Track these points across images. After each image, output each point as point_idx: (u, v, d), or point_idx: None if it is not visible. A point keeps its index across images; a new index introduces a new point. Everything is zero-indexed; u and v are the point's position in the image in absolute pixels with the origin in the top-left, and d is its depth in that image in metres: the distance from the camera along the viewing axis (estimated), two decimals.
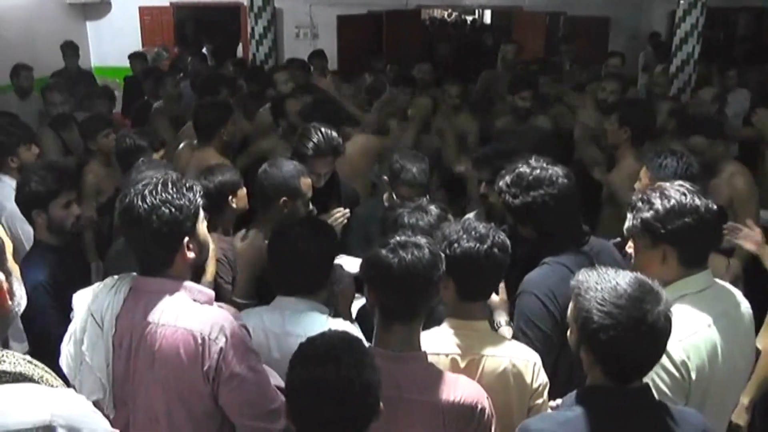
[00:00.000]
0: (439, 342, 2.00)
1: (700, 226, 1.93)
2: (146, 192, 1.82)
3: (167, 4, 10.45)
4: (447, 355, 1.99)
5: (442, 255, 1.90)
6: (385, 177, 3.24)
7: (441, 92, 5.69)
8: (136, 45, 9.68)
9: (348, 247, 2.88)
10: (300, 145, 3.17)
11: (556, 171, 2.33)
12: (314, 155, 3.12)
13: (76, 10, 10.14)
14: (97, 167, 4.35)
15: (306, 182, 2.79)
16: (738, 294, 2.11)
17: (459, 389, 1.81)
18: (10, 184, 3.48)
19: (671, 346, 1.79)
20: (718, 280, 2.09)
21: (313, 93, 5.53)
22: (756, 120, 4.81)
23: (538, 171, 2.32)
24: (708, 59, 7.42)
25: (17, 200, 2.82)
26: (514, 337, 2.20)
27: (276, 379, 1.89)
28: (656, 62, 8.17)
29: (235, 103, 5.11)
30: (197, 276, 2.07)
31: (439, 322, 2.08)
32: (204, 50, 10.28)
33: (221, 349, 1.77)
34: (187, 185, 1.89)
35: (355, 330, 2.18)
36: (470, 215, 3.13)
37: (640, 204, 1.99)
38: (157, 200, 1.81)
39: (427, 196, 2.97)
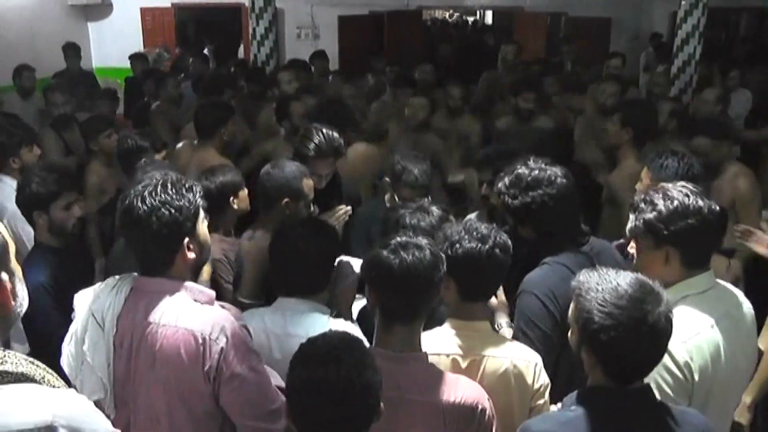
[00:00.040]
0: (440, 342, 2.01)
1: (703, 228, 1.93)
2: (146, 193, 1.82)
3: (168, 5, 10.45)
4: (448, 356, 1.99)
5: (443, 256, 1.90)
6: (387, 178, 3.24)
7: (443, 93, 5.68)
8: (138, 46, 9.68)
9: (349, 248, 2.88)
10: (301, 146, 3.17)
11: (555, 171, 2.33)
12: (316, 156, 3.12)
13: (78, 11, 10.15)
14: (99, 167, 4.36)
15: (308, 184, 2.79)
16: (740, 294, 2.11)
17: (459, 390, 1.81)
18: (11, 184, 3.48)
19: (674, 347, 1.80)
20: (719, 281, 2.09)
21: (320, 95, 5.56)
22: None
23: (536, 171, 2.32)
24: (709, 60, 7.41)
25: (18, 201, 2.82)
26: (514, 337, 2.20)
27: (277, 380, 1.90)
28: (657, 63, 8.17)
29: (235, 104, 5.13)
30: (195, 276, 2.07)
31: (440, 323, 2.09)
32: (205, 51, 10.28)
33: (222, 349, 1.77)
34: (187, 186, 1.89)
35: (355, 330, 2.18)
36: (472, 216, 3.13)
37: (642, 205, 1.99)
38: (157, 201, 1.81)
39: (429, 197, 2.97)
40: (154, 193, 1.82)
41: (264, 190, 2.77)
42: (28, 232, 2.98)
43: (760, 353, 2.50)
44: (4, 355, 1.27)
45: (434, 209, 2.49)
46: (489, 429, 1.83)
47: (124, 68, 8.22)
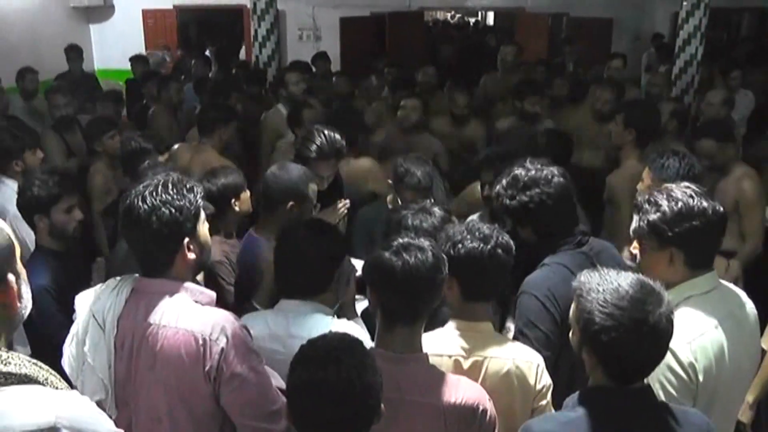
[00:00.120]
0: (442, 343, 2.01)
1: (708, 229, 1.93)
2: (147, 193, 1.83)
3: (170, 6, 10.46)
4: (450, 357, 1.99)
5: (445, 257, 1.90)
6: (389, 180, 3.24)
7: (448, 97, 5.66)
8: (140, 48, 9.68)
9: (352, 249, 2.88)
10: (303, 148, 3.17)
11: (552, 171, 2.35)
12: (317, 158, 3.13)
13: (80, 13, 10.17)
14: (104, 168, 4.37)
15: (313, 188, 2.80)
16: (743, 295, 2.12)
17: (460, 391, 1.80)
18: (12, 186, 3.49)
19: (679, 347, 1.80)
20: (723, 281, 2.09)
21: (323, 96, 5.56)
22: None
23: (533, 172, 2.34)
24: (711, 60, 7.40)
25: (19, 205, 2.83)
26: (515, 338, 2.20)
27: (278, 381, 1.89)
28: (659, 63, 8.17)
29: (240, 106, 5.16)
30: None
31: (442, 324, 2.09)
32: (207, 53, 10.29)
33: (222, 349, 1.77)
34: (188, 186, 1.89)
35: (360, 329, 2.19)
36: (474, 217, 3.14)
37: (646, 206, 1.99)
38: (158, 201, 1.81)
39: (431, 199, 2.98)
40: (155, 193, 1.83)
41: (268, 192, 2.76)
42: (30, 235, 2.99)
43: (763, 352, 2.50)
44: (8, 357, 1.28)
45: (436, 210, 2.50)
46: (491, 430, 1.83)
47: (125, 70, 8.23)
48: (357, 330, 2.12)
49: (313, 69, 7.12)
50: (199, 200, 1.90)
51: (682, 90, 7.13)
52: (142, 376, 1.84)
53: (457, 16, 19.48)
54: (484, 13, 18.71)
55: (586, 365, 1.67)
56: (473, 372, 1.97)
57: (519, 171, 2.36)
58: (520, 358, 2.00)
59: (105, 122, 4.65)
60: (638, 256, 2.07)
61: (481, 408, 1.80)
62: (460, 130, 5.31)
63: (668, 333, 1.58)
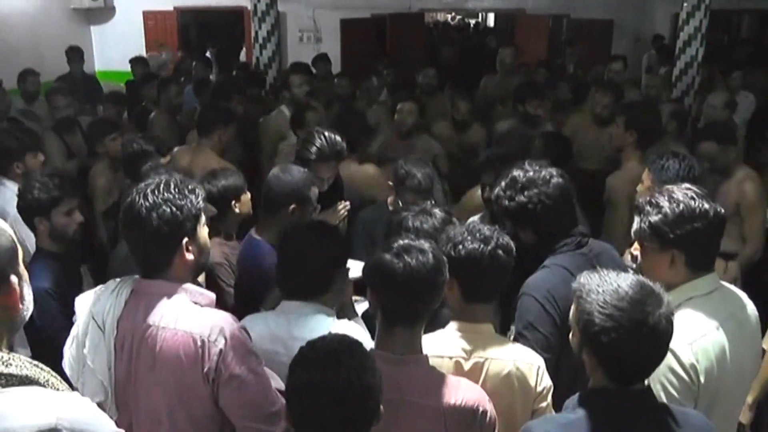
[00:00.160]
0: (443, 344, 2.01)
1: (709, 230, 1.93)
2: (148, 191, 1.83)
3: (171, 8, 10.47)
4: (451, 358, 1.99)
5: (446, 259, 1.90)
6: (390, 182, 3.24)
7: (450, 101, 5.65)
8: (140, 49, 9.69)
9: (352, 251, 2.88)
10: (303, 150, 3.17)
11: (550, 171, 2.36)
12: (317, 160, 3.13)
13: (80, 14, 10.18)
14: (106, 170, 4.37)
15: (315, 191, 2.80)
16: (743, 296, 2.12)
17: (460, 392, 1.80)
18: (12, 189, 3.49)
19: (680, 349, 1.80)
20: (724, 283, 2.09)
21: (324, 97, 5.55)
22: None
23: (531, 173, 2.35)
24: (711, 62, 7.40)
25: (19, 207, 2.83)
26: (514, 340, 2.20)
27: (277, 382, 1.89)
28: (660, 65, 8.17)
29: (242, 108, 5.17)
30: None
31: (442, 326, 2.09)
32: (208, 54, 10.30)
33: (221, 350, 1.77)
34: (190, 187, 1.90)
35: (361, 330, 2.19)
36: (475, 218, 3.14)
37: (648, 207, 1.99)
38: (159, 199, 1.82)
39: (432, 200, 2.98)
40: (156, 191, 1.83)
41: (271, 194, 2.76)
42: (29, 237, 2.99)
43: (763, 352, 2.50)
44: (9, 358, 1.28)
45: (437, 212, 2.50)
46: (491, 431, 1.83)
47: (126, 72, 8.22)
48: (358, 331, 2.13)
49: (314, 71, 7.12)
50: (201, 202, 1.90)
51: (683, 91, 7.13)
52: (141, 378, 1.84)
53: (458, 17, 19.48)
54: (484, 14, 18.71)
55: (586, 366, 1.67)
56: (474, 373, 1.97)
57: (517, 173, 2.38)
58: (521, 360, 2.00)
59: (107, 124, 4.65)
60: (639, 258, 2.07)
61: (481, 409, 1.80)
62: (461, 135, 5.31)
63: (668, 334, 1.58)
